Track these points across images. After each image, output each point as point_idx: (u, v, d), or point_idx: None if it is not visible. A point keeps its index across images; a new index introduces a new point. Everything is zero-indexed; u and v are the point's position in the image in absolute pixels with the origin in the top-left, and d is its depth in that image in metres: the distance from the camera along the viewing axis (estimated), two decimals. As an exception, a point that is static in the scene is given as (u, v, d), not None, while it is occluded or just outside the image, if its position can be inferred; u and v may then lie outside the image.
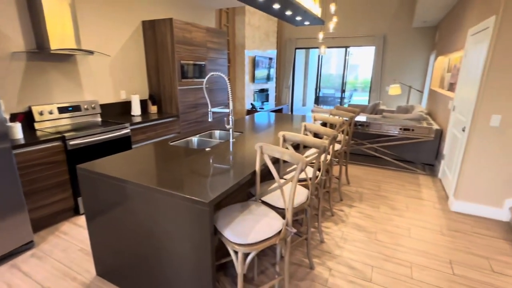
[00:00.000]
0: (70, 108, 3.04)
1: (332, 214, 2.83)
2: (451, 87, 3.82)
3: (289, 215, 1.50)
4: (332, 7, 3.84)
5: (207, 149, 2.15)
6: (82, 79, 3.21)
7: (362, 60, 12.23)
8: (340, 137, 3.10)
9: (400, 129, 3.95)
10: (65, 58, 3.01)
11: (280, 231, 1.50)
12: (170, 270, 1.56)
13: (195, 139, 2.61)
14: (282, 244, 1.55)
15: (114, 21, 3.46)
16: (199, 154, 2.02)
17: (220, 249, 1.98)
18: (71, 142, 2.59)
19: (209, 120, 2.37)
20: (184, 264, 1.49)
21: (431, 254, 2.25)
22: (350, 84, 12.73)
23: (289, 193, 1.46)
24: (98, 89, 3.40)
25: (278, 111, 7.10)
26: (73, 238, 2.40)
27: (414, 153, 4.31)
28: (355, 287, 1.89)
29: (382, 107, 5.83)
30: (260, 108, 6.35)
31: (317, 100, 8.97)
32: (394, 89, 5.71)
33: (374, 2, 6.30)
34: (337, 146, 3.04)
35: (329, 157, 2.53)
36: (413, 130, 3.89)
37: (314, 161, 1.88)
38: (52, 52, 2.65)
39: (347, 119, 3.05)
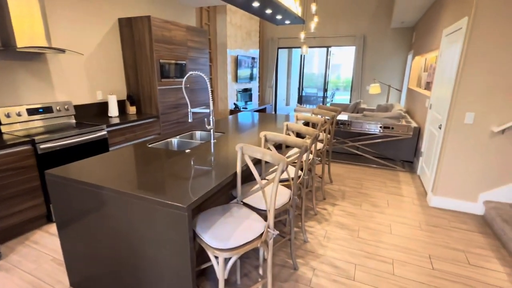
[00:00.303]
0: (41, 110, 2.87)
1: (315, 213, 2.84)
2: (428, 86, 3.93)
3: (271, 216, 1.47)
4: (313, 7, 3.86)
5: (187, 150, 2.08)
6: (54, 79, 3.04)
7: (344, 59, 12.43)
8: (322, 136, 3.12)
9: (380, 127, 4.04)
10: (33, 56, 2.84)
11: (262, 234, 1.47)
12: (148, 277, 1.49)
13: (175, 140, 2.54)
14: (264, 246, 1.52)
15: (88, 18, 3.31)
16: (179, 156, 1.95)
17: (202, 253, 1.92)
18: (42, 146, 2.44)
19: (189, 120, 2.30)
20: (163, 271, 1.42)
21: (411, 249, 2.29)
22: (333, 83, 12.91)
23: (271, 194, 1.43)
24: (72, 90, 3.24)
25: (261, 111, 7.09)
26: (44, 247, 2.27)
27: (394, 150, 4.42)
28: (339, 286, 1.89)
29: (363, 105, 5.94)
30: (243, 108, 6.31)
31: (300, 100, 9.02)
32: (374, 88, 5.83)
33: (354, 2, 6.41)
34: (320, 145, 3.05)
35: (311, 156, 2.53)
36: (392, 128, 3.98)
37: (296, 161, 1.86)
38: (18, 50, 2.49)
39: (329, 118, 3.07)
